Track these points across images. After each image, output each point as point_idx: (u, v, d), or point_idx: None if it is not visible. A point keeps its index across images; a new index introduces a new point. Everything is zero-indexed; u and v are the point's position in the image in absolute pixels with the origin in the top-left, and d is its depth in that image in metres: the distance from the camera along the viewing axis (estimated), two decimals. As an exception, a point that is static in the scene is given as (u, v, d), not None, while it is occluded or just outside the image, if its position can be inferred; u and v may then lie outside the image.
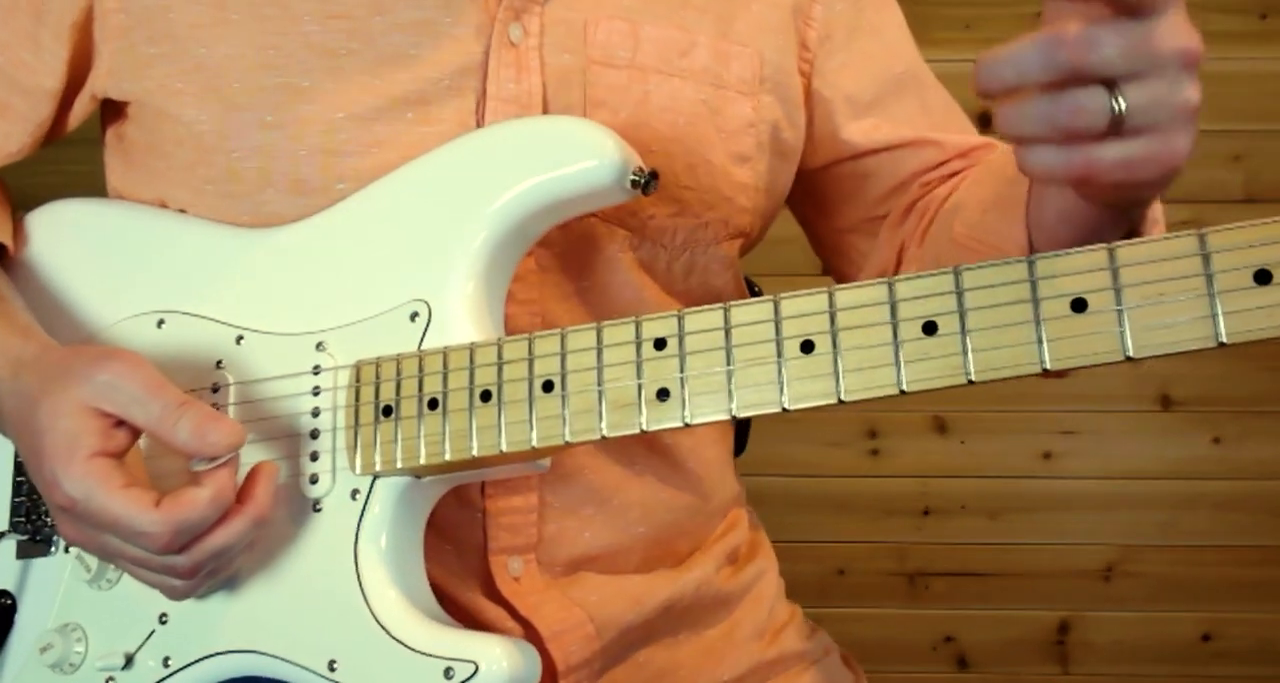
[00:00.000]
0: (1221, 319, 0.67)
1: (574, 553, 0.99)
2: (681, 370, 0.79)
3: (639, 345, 0.80)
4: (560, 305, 0.96)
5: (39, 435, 0.84)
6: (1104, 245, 0.69)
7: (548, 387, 0.82)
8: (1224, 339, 0.67)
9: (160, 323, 0.97)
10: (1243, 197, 2.64)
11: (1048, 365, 0.70)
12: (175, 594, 0.88)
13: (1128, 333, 0.68)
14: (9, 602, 0.98)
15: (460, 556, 0.95)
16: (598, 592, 0.98)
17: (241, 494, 0.85)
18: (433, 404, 0.85)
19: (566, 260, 0.97)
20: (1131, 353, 0.68)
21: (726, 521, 1.11)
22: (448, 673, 0.83)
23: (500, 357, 0.84)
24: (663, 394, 0.79)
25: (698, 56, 1.00)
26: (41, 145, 1.05)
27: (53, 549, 0.98)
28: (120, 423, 0.84)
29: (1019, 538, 2.70)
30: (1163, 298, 0.68)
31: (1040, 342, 0.70)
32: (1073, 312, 0.69)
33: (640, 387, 0.79)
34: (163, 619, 0.92)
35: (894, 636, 2.71)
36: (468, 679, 0.82)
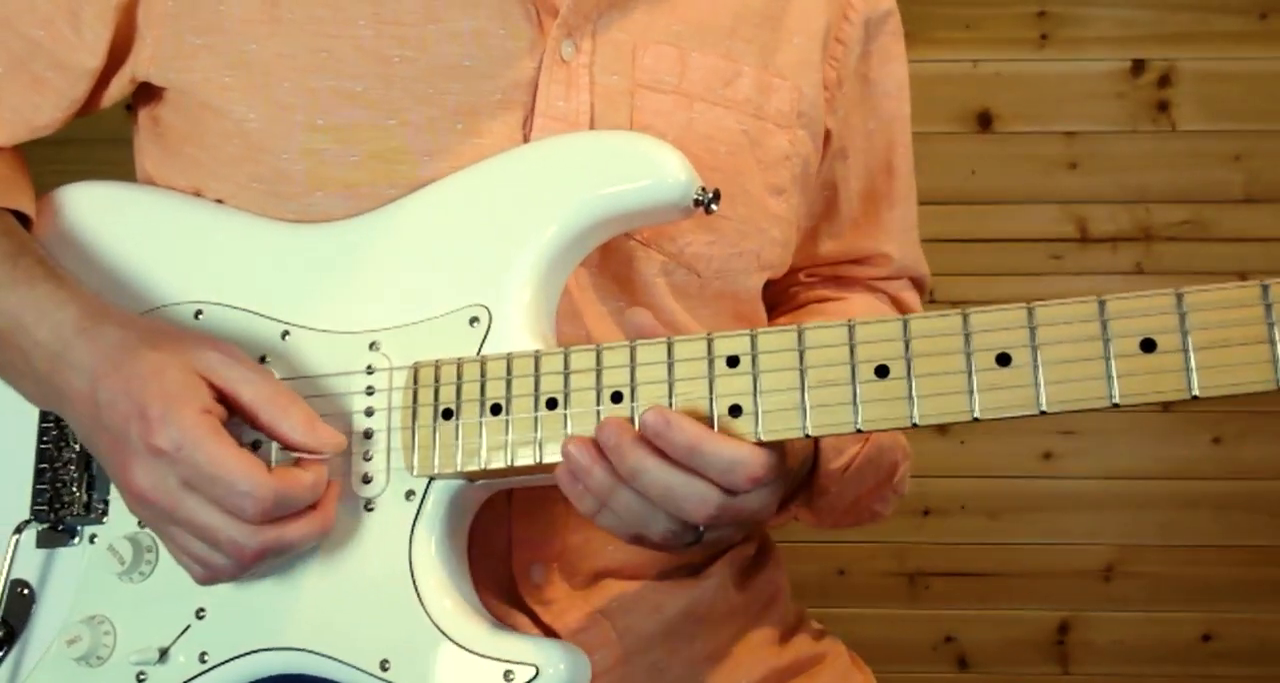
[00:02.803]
0: None
1: (597, 564, 0.99)
2: (755, 388, 0.80)
3: (711, 361, 0.81)
4: (598, 324, 0.97)
5: (140, 379, 0.84)
6: (1171, 290, 0.73)
7: (616, 397, 0.83)
8: None
9: (198, 314, 0.96)
10: (1242, 197, 2.64)
11: (1117, 401, 0.73)
12: (213, 576, 0.87)
13: (1194, 373, 0.72)
14: (27, 592, 0.98)
15: (484, 561, 0.95)
16: (619, 600, 0.99)
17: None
18: (495, 409, 0.86)
19: (604, 281, 0.98)
20: (1197, 392, 0.72)
21: (738, 528, 1.12)
22: (508, 676, 0.83)
23: (567, 366, 0.85)
24: (735, 411, 0.81)
25: (741, 87, 1.01)
26: (73, 119, 1.04)
27: (74, 540, 0.97)
28: (221, 399, 0.85)
29: (1019, 538, 2.70)
30: (1228, 342, 0.72)
31: (1110, 378, 0.73)
32: (1142, 351, 0.73)
33: (713, 402, 0.81)
34: (200, 614, 0.92)
35: (894, 636, 2.72)
36: None
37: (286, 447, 0.86)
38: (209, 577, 0.87)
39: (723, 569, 1.06)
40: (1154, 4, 2.66)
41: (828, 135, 1.10)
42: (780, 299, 1.17)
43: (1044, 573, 2.70)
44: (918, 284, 1.21)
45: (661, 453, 0.80)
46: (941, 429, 2.70)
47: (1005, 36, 2.69)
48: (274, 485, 0.82)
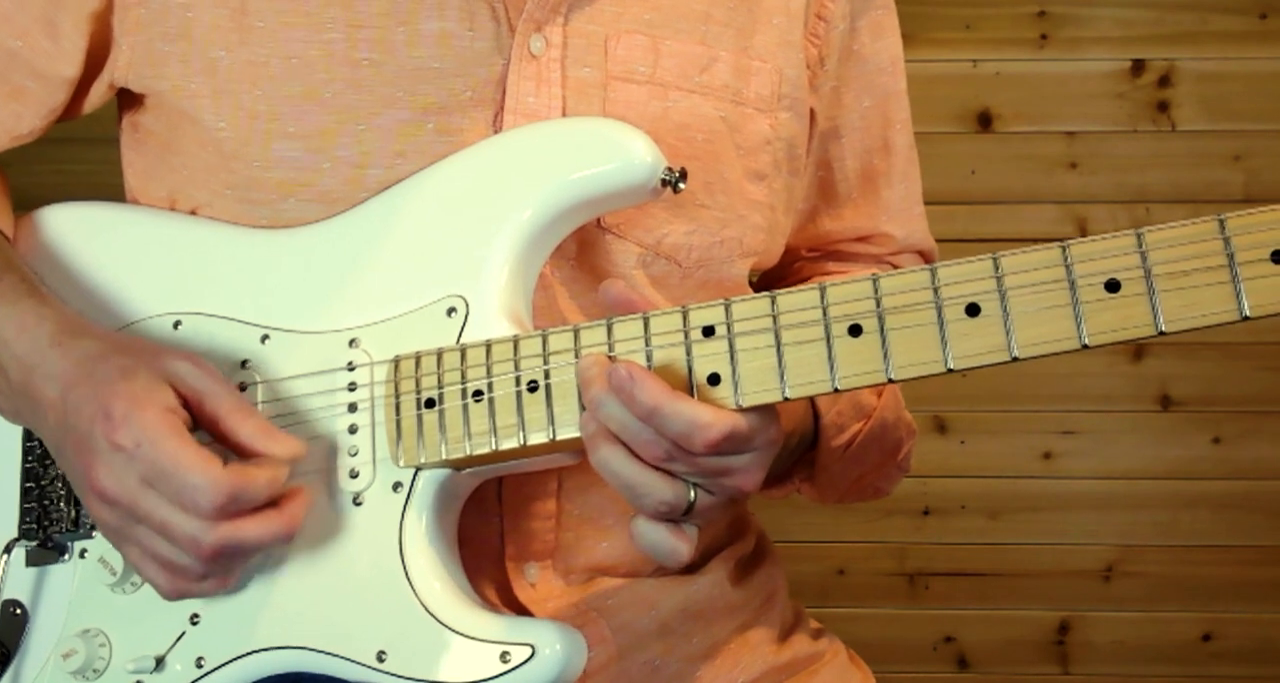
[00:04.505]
0: (1245, 295, 0.73)
1: (590, 562, 0.99)
2: (731, 356, 0.82)
3: (686, 333, 0.83)
4: (576, 318, 0.97)
5: (109, 382, 0.85)
6: (1132, 230, 0.75)
7: None
8: (1248, 313, 0.73)
9: (176, 324, 0.97)
10: (1242, 197, 2.64)
11: (1087, 342, 0.75)
12: (182, 586, 0.86)
13: (1159, 310, 0.74)
14: (19, 612, 0.97)
15: (477, 561, 0.95)
16: (613, 597, 0.99)
17: (278, 503, 0.86)
18: (477, 396, 0.87)
19: (581, 275, 0.98)
20: (1164, 328, 0.74)
21: (735, 527, 1.12)
22: (504, 658, 0.84)
23: (545, 348, 0.86)
24: (714, 379, 0.82)
25: (718, 73, 1.01)
26: (53, 126, 1.04)
27: (65, 556, 0.97)
28: (186, 405, 0.85)
29: (1019, 538, 2.70)
30: (1189, 276, 0.74)
31: (1078, 320, 0.75)
32: (1107, 292, 0.75)
33: (691, 372, 0.82)
34: (194, 620, 0.92)
35: (894, 636, 2.72)
36: (524, 663, 0.83)
37: (242, 453, 0.86)
38: (177, 585, 0.86)
39: (719, 567, 1.06)
40: (1154, 4, 2.65)
41: (812, 115, 1.09)
42: (786, 273, 1.18)
43: (1044, 573, 2.70)
44: (925, 257, 1.21)
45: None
46: (941, 429, 2.71)
47: (1005, 36, 2.68)
48: (228, 479, 0.82)
